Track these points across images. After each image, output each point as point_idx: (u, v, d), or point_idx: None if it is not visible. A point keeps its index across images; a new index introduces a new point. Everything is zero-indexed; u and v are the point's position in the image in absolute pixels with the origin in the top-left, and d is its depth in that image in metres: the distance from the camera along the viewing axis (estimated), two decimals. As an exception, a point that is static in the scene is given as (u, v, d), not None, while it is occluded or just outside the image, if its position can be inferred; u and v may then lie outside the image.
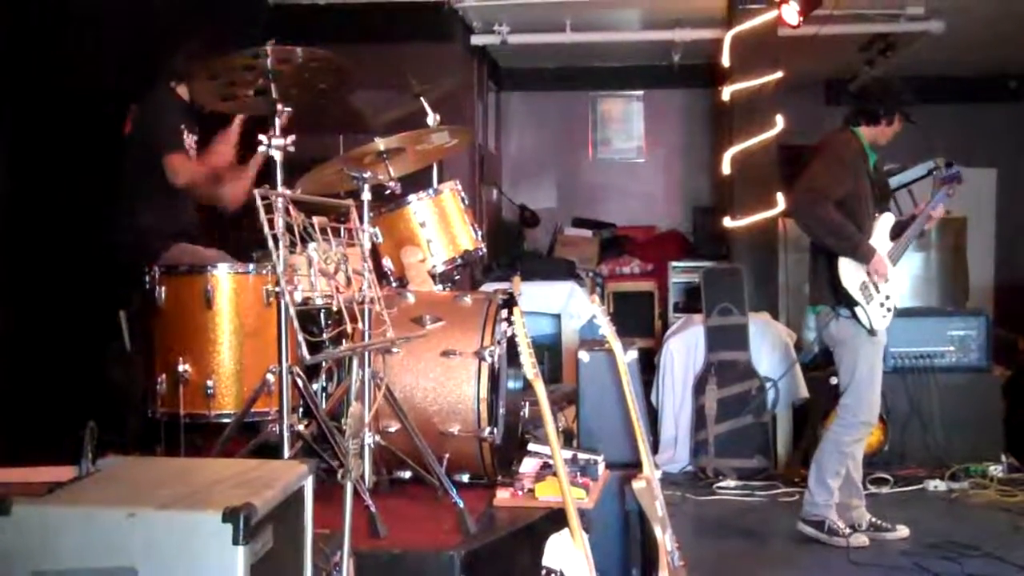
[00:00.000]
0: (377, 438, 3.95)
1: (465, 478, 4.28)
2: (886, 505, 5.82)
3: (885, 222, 5.19)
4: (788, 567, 4.95)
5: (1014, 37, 8.82)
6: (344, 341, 3.58)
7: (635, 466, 3.83)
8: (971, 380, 6.72)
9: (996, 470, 6.33)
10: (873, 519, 5.25)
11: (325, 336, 3.74)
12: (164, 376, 4.28)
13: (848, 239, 5.01)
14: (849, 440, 5.11)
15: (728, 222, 7.84)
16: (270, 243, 3.15)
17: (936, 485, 6.23)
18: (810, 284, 5.33)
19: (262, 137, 3.71)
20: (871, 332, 5.02)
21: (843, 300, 5.03)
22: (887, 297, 5.08)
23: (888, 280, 5.09)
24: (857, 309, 5.00)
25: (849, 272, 5.02)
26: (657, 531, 3.63)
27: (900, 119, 5.19)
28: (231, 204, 5.15)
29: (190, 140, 5.03)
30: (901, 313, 6.67)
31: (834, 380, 5.44)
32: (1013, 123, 10.50)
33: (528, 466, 4.21)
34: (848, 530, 5.11)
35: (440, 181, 5.13)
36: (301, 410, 3.97)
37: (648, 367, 7.07)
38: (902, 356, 6.67)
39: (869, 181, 5.17)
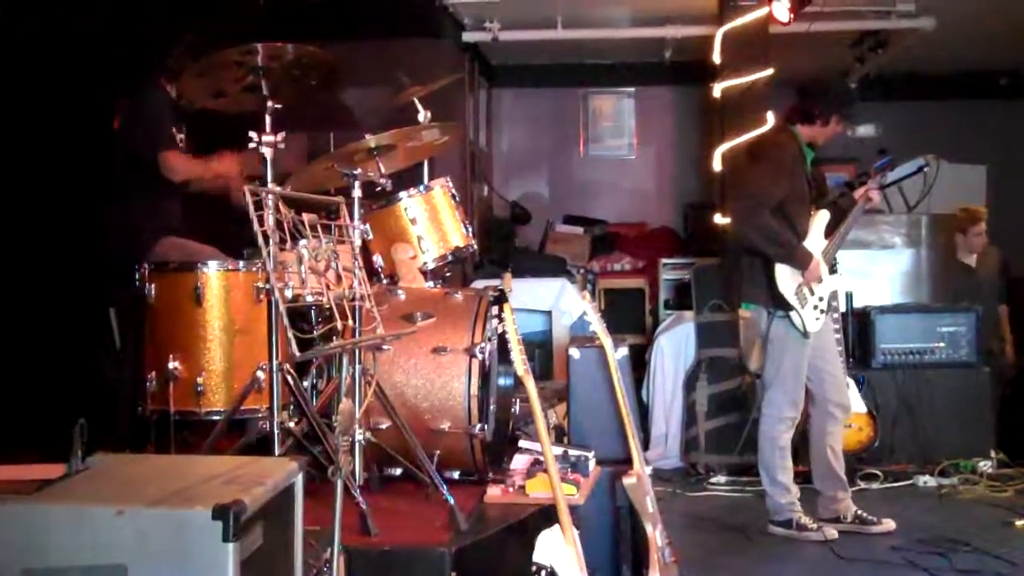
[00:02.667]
0: (368, 435, 3.94)
1: (456, 475, 4.28)
2: (876, 500, 5.84)
3: (820, 220, 5.23)
4: (778, 562, 4.96)
5: (1005, 34, 8.83)
6: (335, 338, 3.58)
7: (626, 462, 3.84)
8: (961, 376, 6.74)
9: (985, 466, 6.35)
10: (859, 512, 5.28)
11: (315, 333, 3.74)
12: (154, 374, 4.28)
13: (784, 246, 5.06)
14: (778, 434, 5.19)
15: (719, 219, 7.85)
16: (260, 240, 3.15)
17: (926, 480, 6.26)
18: (744, 282, 5.34)
19: (252, 134, 3.71)
20: (804, 335, 5.07)
21: (780, 304, 5.06)
22: (820, 299, 5.13)
23: (822, 280, 5.11)
24: (792, 313, 5.04)
25: (785, 278, 5.07)
26: (648, 527, 3.64)
27: (837, 120, 5.22)
28: (231, 174, 5.07)
29: (178, 137, 5.02)
30: (891, 310, 6.72)
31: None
32: (1003, 120, 10.51)
33: (519, 463, 4.21)
34: (816, 524, 5.16)
35: (431, 178, 5.14)
36: (291, 407, 3.97)
37: (639, 363, 7.08)
38: (892, 352, 6.69)
39: (806, 181, 5.20)
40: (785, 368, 5.16)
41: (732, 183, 5.29)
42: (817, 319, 5.12)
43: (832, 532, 5.13)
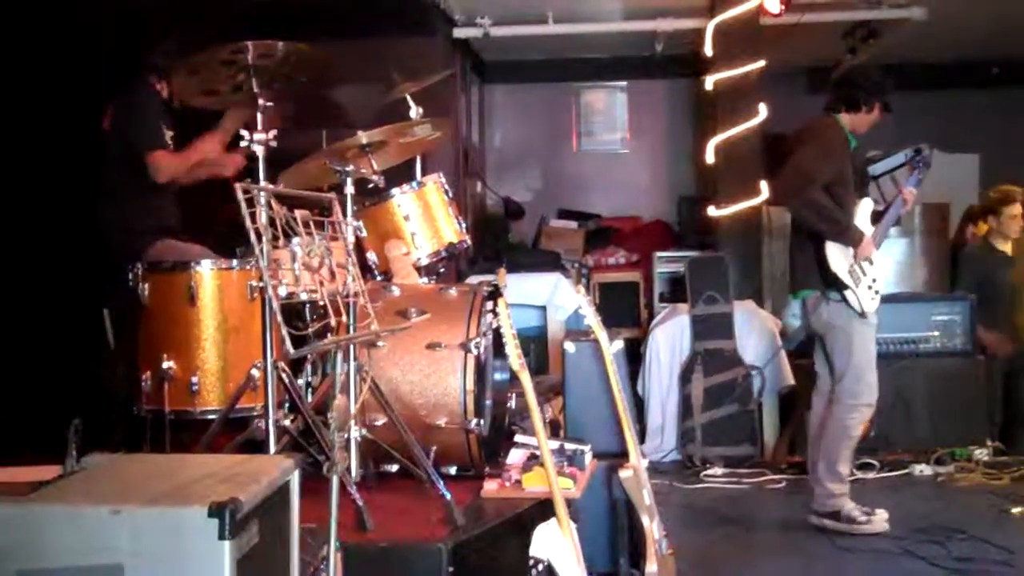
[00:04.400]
0: (363, 431, 3.94)
1: (452, 470, 4.28)
2: (873, 490, 5.86)
3: (865, 208, 5.22)
4: (775, 554, 4.97)
5: (995, 23, 8.84)
6: (329, 335, 3.58)
7: (622, 455, 3.84)
8: (956, 365, 6.75)
9: (981, 454, 6.36)
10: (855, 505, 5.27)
11: (310, 330, 3.74)
12: (149, 373, 4.27)
13: (837, 223, 5.04)
14: (853, 423, 5.13)
15: (712, 211, 7.86)
16: (252, 238, 3.14)
17: (922, 469, 6.27)
18: (793, 270, 5.34)
19: (244, 132, 3.70)
20: (862, 315, 5.04)
21: (833, 284, 5.04)
22: (873, 280, 5.10)
23: (872, 263, 5.11)
24: (847, 292, 5.02)
25: (837, 256, 5.04)
26: (644, 520, 3.64)
27: (880, 108, 5.22)
28: (213, 154, 5.07)
29: (167, 136, 5.01)
30: (886, 299, 6.71)
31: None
32: (995, 109, 10.52)
33: (515, 457, 4.21)
34: (865, 516, 5.10)
35: (424, 174, 5.13)
36: (287, 405, 3.97)
37: (634, 357, 7.08)
38: (887, 341, 6.69)
39: (851, 168, 5.20)
40: (857, 354, 5.09)
41: (777, 167, 5.28)
42: (872, 299, 5.09)
43: (884, 524, 5.08)
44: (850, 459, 5.18)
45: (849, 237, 5.05)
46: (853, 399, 5.13)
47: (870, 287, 5.09)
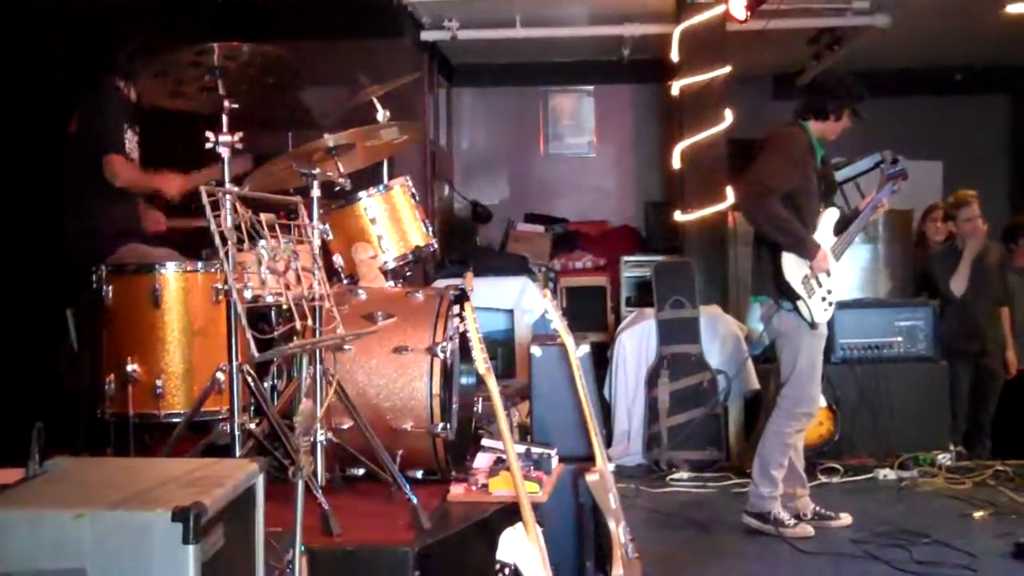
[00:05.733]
0: (329, 435, 3.93)
1: (419, 474, 4.28)
2: (836, 494, 5.89)
3: (830, 217, 5.24)
4: (741, 558, 4.99)
5: (959, 30, 8.93)
6: (295, 338, 3.56)
7: (588, 459, 3.85)
8: (919, 370, 6.81)
9: (944, 458, 6.41)
10: (817, 508, 5.31)
11: (275, 334, 3.72)
12: (113, 376, 4.24)
13: (792, 234, 5.05)
14: (790, 431, 5.17)
15: (679, 216, 7.89)
16: (217, 241, 3.12)
17: (886, 474, 6.31)
18: (753, 274, 5.36)
19: (209, 134, 3.68)
20: (812, 326, 5.07)
21: (785, 293, 5.07)
22: (829, 291, 5.13)
23: (830, 275, 5.13)
24: (799, 303, 5.04)
25: (791, 266, 5.06)
26: (611, 524, 3.65)
27: (849, 115, 5.23)
28: (171, 193, 5.06)
29: (133, 139, 4.98)
30: (850, 304, 6.78)
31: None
32: (959, 116, 10.62)
33: (482, 461, 4.21)
34: (793, 520, 5.16)
35: (391, 177, 5.12)
36: (252, 408, 3.95)
37: (601, 361, 7.09)
38: (851, 347, 6.75)
39: (816, 176, 5.22)
40: (801, 363, 5.12)
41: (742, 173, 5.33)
42: (825, 311, 5.11)
43: (808, 530, 5.14)
44: (784, 466, 5.19)
45: (805, 249, 5.07)
46: (792, 407, 5.16)
47: (824, 298, 5.11)
